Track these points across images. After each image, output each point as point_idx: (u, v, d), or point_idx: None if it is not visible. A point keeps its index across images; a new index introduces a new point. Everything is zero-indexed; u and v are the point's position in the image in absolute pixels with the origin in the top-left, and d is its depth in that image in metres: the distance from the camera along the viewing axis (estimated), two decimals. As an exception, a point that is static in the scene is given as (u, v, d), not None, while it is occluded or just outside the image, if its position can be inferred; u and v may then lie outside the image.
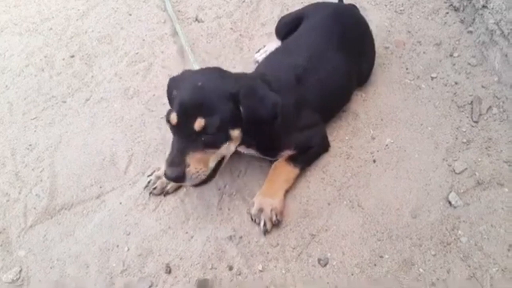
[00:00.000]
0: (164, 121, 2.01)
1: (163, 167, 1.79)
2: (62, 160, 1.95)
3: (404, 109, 2.05)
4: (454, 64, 2.23)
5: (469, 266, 1.56)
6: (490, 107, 2.02)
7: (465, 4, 2.39)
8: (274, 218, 1.64)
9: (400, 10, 2.53)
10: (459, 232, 1.65)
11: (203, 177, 1.50)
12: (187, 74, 1.61)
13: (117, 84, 2.26)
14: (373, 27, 2.15)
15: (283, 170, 1.76)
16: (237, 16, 2.57)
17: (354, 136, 1.96)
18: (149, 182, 1.80)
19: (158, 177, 1.78)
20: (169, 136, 1.59)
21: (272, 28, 2.32)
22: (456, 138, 1.93)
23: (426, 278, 1.54)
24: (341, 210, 1.73)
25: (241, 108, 1.47)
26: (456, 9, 2.47)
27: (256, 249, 1.64)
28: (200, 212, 1.75)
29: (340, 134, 1.97)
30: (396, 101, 2.09)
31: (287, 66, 1.83)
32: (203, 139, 1.45)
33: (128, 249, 1.66)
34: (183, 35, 2.35)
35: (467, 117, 2.00)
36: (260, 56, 2.25)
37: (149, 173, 1.85)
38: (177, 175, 1.44)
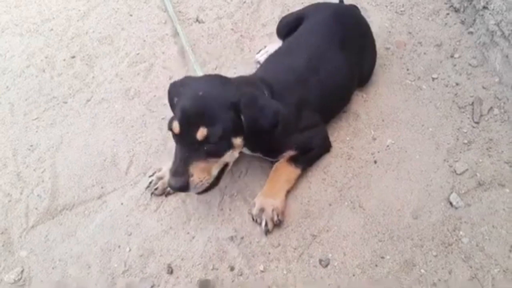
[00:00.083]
0: (164, 122, 2.03)
1: (164, 167, 1.81)
2: (64, 160, 1.95)
3: (405, 110, 2.05)
4: (455, 65, 2.23)
5: (471, 267, 1.56)
6: (491, 108, 2.02)
7: (465, 5, 2.39)
8: (275, 218, 1.65)
9: (401, 11, 2.53)
10: (461, 233, 1.65)
11: (206, 185, 1.52)
12: (188, 81, 1.60)
13: (118, 85, 2.26)
14: (374, 28, 2.15)
15: (284, 171, 1.76)
16: (238, 17, 2.57)
17: (355, 136, 1.96)
18: (150, 182, 1.80)
19: (159, 178, 1.78)
20: (170, 136, 1.59)
21: (272, 28, 2.32)
22: (457, 139, 1.93)
23: (428, 279, 1.54)
24: (342, 210, 1.73)
25: (242, 118, 1.47)
26: (456, 10, 2.47)
27: (257, 249, 1.64)
28: (201, 212, 1.75)
29: (341, 135, 1.97)
30: (397, 102, 2.09)
31: (288, 67, 1.83)
32: (205, 148, 1.46)
33: (130, 250, 1.66)
34: (184, 35, 2.35)
35: (468, 118, 2.00)
36: (261, 57, 2.25)
37: (150, 173, 1.85)
38: (180, 185, 1.46)
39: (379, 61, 2.19)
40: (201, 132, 1.42)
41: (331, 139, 1.92)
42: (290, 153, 1.77)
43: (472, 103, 2.05)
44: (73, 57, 2.41)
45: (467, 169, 1.82)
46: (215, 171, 1.54)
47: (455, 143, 1.91)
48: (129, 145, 1.99)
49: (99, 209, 1.79)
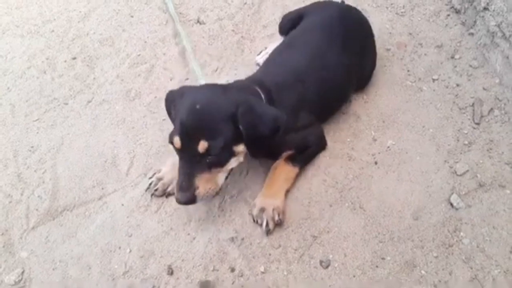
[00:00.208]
0: (165, 123, 2.03)
1: (164, 168, 1.81)
2: (64, 161, 1.95)
3: (405, 111, 2.05)
4: (455, 66, 2.23)
5: (471, 268, 1.56)
6: (491, 109, 2.02)
7: (466, 6, 2.39)
8: (276, 218, 1.65)
9: (401, 12, 2.53)
10: (461, 234, 1.65)
11: (213, 194, 1.56)
12: (185, 92, 1.60)
13: (119, 86, 2.26)
14: (374, 29, 2.15)
15: (282, 170, 1.77)
16: (238, 18, 2.57)
17: (355, 138, 1.96)
18: (150, 183, 1.80)
19: (160, 179, 1.79)
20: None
21: (273, 30, 2.33)
22: (458, 140, 1.93)
23: (428, 280, 1.54)
24: (342, 212, 1.73)
25: (240, 127, 1.48)
26: (457, 11, 2.47)
27: (258, 250, 1.64)
28: (201, 213, 1.75)
29: (341, 136, 1.97)
30: (398, 103, 2.09)
31: (288, 67, 1.84)
32: (208, 160, 1.48)
33: (130, 251, 1.66)
34: (186, 36, 2.35)
35: (469, 119, 2.00)
36: (261, 59, 2.25)
37: (150, 174, 1.85)
38: (187, 200, 1.50)
39: (379, 62, 2.19)
40: (202, 146, 1.45)
41: (332, 140, 1.92)
42: (289, 152, 1.78)
43: (473, 104, 2.05)
44: (74, 58, 2.42)
45: (467, 170, 1.82)
46: (220, 180, 1.58)
47: (455, 144, 1.91)
48: (130, 146, 1.99)
49: (100, 210, 1.79)
